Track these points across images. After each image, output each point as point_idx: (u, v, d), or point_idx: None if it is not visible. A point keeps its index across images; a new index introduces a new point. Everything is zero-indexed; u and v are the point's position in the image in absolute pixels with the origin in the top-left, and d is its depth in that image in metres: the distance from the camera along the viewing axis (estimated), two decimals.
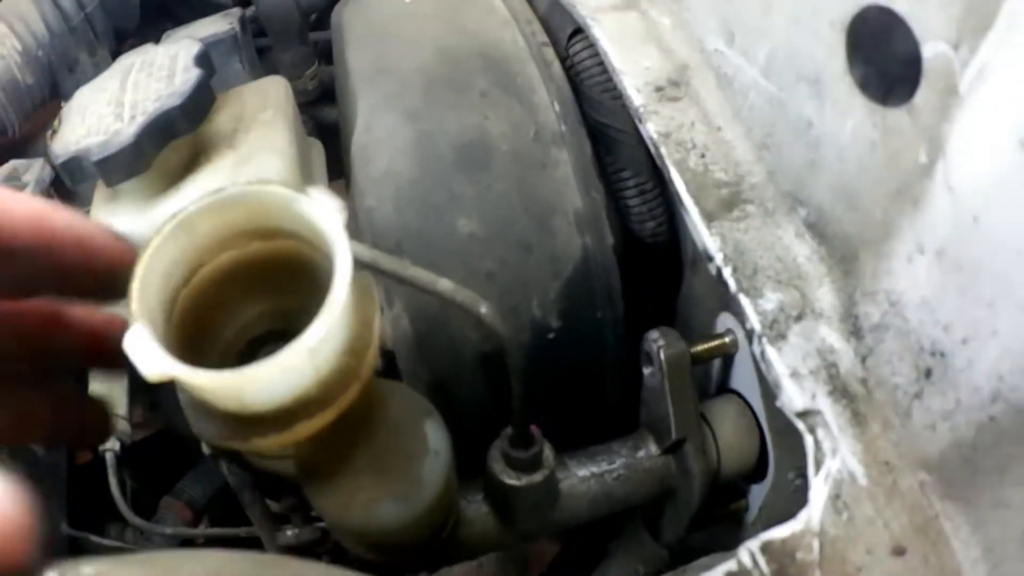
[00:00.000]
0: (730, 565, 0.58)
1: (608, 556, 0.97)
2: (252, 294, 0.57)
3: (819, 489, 0.61)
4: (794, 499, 0.73)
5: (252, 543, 0.92)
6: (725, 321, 0.79)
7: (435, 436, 0.62)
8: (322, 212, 0.52)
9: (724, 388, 0.83)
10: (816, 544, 0.59)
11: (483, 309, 0.57)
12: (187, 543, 1.20)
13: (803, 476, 0.70)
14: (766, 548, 0.59)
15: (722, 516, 0.82)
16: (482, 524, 0.75)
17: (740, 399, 0.80)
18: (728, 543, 0.76)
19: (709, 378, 0.85)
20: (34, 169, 1.00)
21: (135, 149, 0.82)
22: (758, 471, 0.79)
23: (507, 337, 0.59)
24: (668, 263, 0.89)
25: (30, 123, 1.10)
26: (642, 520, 0.89)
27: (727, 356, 0.79)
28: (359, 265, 0.54)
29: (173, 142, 0.86)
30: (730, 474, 0.78)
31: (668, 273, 0.90)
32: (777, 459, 0.77)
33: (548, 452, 0.71)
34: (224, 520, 1.25)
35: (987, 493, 0.59)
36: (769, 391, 0.73)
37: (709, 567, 0.59)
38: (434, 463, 0.61)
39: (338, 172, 1.04)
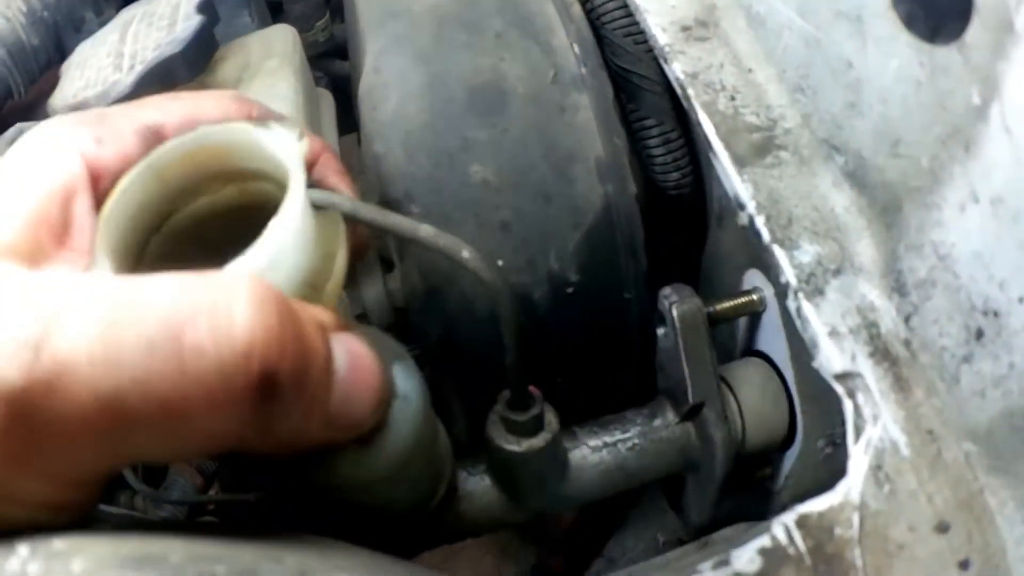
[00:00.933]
0: (763, 540, 0.53)
1: (626, 524, 0.93)
2: (233, 244, 0.53)
3: (859, 459, 0.56)
4: (823, 469, 0.69)
5: (261, 509, 0.89)
6: (752, 279, 0.74)
7: (405, 381, 0.56)
8: (279, 143, 0.50)
9: (750, 350, 0.78)
10: (856, 519, 0.54)
11: (465, 253, 0.54)
12: (197, 509, 1.17)
13: (834, 444, 0.67)
14: (802, 522, 0.54)
15: (745, 484, 0.77)
16: (485, 498, 0.70)
17: (765, 363, 0.75)
18: (751, 511, 0.72)
19: (735, 340, 0.81)
20: None
21: (133, 98, 0.78)
22: (786, 438, 0.74)
23: (494, 283, 0.55)
24: (692, 217, 0.84)
25: (36, 86, 1.06)
26: (667, 501, 0.84)
27: (754, 315, 0.74)
28: (335, 212, 0.52)
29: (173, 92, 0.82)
30: (757, 445, 0.73)
31: (692, 228, 0.85)
32: (806, 426, 0.72)
33: (551, 416, 0.66)
34: (235, 486, 1.21)
35: None
36: (799, 352, 0.68)
37: (740, 542, 0.53)
38: (403, 408, 0.55)
39: (351, 126, 1.00)
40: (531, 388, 0.65)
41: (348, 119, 1.03)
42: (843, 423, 0.64)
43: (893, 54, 0.59)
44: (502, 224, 0.71)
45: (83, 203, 0.49)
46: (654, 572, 0.56)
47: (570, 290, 0.74)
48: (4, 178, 0.50)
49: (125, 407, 0.39)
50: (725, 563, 0.51)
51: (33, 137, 0.52)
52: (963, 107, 0.54)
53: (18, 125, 0.96)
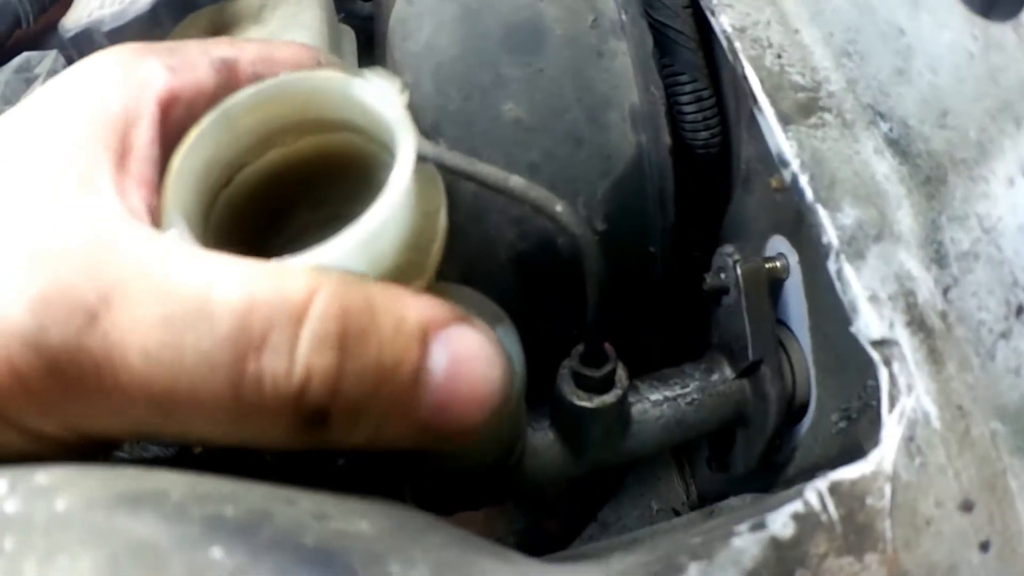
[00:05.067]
0: (796, 506, 0.54)
1: (623, 490, 0.95)
2: (304, 200, 0.53)
3: (892, 428, 0.57)
4: (833, 443, 0.72)
5: (251, 460, 0.89)
6: (776, 245, 0.76)
7: (507, 342, 0.58)
8: (380, 94, 0.50)
9: None
10: (888, 489, 0.55)
11: (559, 208, 0.54)
12: (179, 459, 1.16)
13: (848, 419, 0.69)
14: (835, 489, 0.54)
15: None
16: (549, 453, 0.73)
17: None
18: (754, 482, 0.73)
19: None
20: (47, 61, 0.96)
21: (151, 18, 0.80)
22: (797, 410, 0.77)
23: (586, 238, 0.56)
24: (717, 179, 0.86)
25: (45, 15, 1.06)
26: (710, 450, 0.87)
27: (776, 281, 0.76)
28: (431, 166, 0.52)
29: (193, 15, 0.83)
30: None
31: (716, 190, 0.87)
32: (820, 398, 0.74)
33: (621, 372, 0.68)
34: None
35: None
36: (821, 321, 0.71)
37: (772, 505, 0.54)
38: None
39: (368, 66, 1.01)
40: (606, 345, 0.67)
41: (365, 60, 1.03)
42: (861, 397, 0.66)
43: (947, 25, 0.60)
44: (531, 165, 0.72)
45: (146, 131, 0.50)
46: (679, 532, 0.57)
47: (595, 239, 0.74)
48: (64, 98, 0.50)
49: (170, 402, 0.41)
50: (761, 526, 0.52)
51: (98, 60, 0.52)
52: (1016, 83, 0.55)
53: (25, 54, 0.96)
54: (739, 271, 0.71)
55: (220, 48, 0.55)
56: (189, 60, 0.53)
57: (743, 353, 0.72)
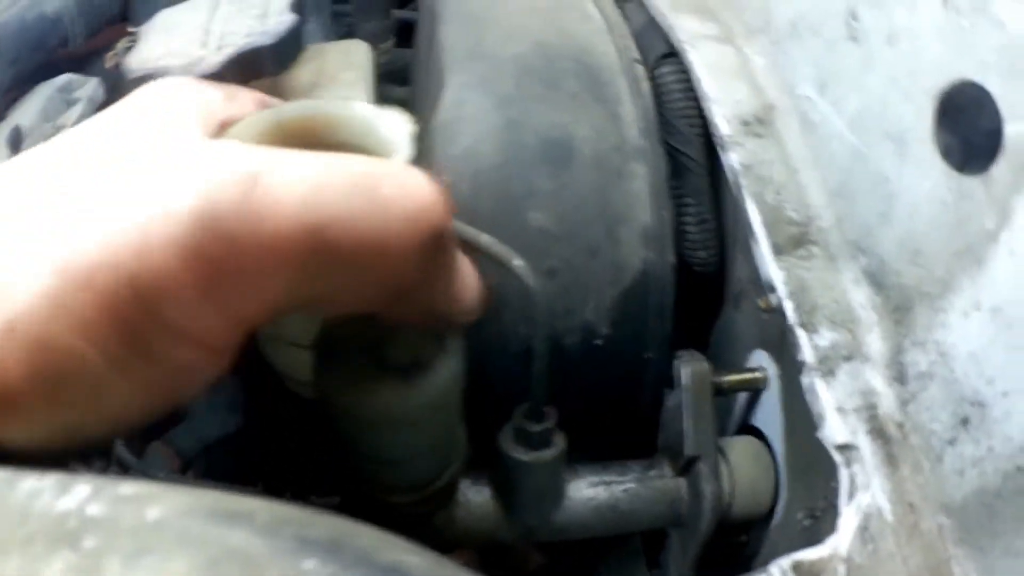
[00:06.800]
0: None
1: (597, 573, 1.02)
2: None
3: (849, 519, 0.68)
4: (799, 540, 0.78)
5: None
6: (758, 358, 0.85)
7: (453, 342, 0.63)
8: (393, 121, 0.60)
9: (745, 425, 0.89)
10: (843, 570, 0.65)
11: (517, 261, 0.64)
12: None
13: (813, 517, 0.77)
14: (796, 567, 0.65)
15: (720, 549, 0.86)
16: (481, 508, 0.79)
17: (759, 441, 0.86)
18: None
19: (731, 415, 0.92)
20: (88, 87, 1.02)
21: (217, 80, 0.84)
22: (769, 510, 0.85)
23: (536, 291, 0.65)
24: (710, 294, 0.95)
25: (92, 40, 1.12)
26: (646, 559, 0.95)
27: (755, 391, 0.86)
28: None
29: (253, 83, 0.87)
30: (742, 513, 0.83)
31: (708, 304, 0.96)
32: (789, 499, 0.83)
33: (559, 438, 0.76)
34: (208, 476, 1.25)
35: (1001, 541, 0.65)
36: (795, 427, 0.80)
37: None
38: (445, 362, 0.61)
39: None
40: (547, 408, 0.74)
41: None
42: (826, 498, 0.74)
43: (927, 177, 0.70)
44: (549, 271, 0.81)
45: None
46: None
47: (599, 342, 0.83)
48: (161, 104, 0.57)
49: (326, 239, 0.47)
50: None
51: (171, 82, 0.60)
52: (978, 229, 0.66)
53: (68, 76, 1.01)
54: (685, 371, 0.79)
55: (260, 95, 0.65)
56: (240, 96, 0.62)
57: (682, 450, 0.80)
